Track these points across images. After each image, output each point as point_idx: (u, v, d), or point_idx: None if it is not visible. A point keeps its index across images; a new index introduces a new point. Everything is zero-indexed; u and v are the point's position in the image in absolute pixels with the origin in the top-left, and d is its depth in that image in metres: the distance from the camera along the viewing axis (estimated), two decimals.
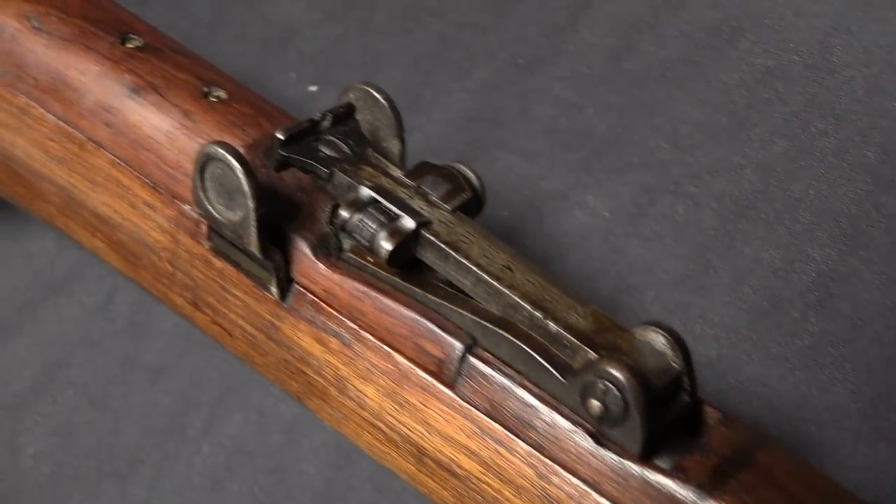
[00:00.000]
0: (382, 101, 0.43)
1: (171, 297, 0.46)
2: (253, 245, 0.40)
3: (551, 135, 0.69)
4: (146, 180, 0.45)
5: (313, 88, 0.72)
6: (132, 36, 0.47)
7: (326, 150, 0.42)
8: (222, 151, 0.39)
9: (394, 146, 0.43)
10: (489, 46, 0.72)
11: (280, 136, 0.41)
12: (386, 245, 0.39)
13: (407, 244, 0.39)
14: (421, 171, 0.42)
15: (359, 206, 0.40)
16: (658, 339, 0.37)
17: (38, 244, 0.70)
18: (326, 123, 0.42)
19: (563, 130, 0.69)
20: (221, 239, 0.42)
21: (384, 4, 0.74)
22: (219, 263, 0.43)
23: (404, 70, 0.72)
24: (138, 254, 0.46)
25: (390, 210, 0.39)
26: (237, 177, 0.39)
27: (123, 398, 0.61)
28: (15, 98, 0.47)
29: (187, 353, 0.62)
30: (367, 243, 0.39)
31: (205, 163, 0.40)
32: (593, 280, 0.63)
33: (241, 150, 0.40)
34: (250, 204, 0.39)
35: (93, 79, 0.46)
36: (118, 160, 0.45)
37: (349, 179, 0.40)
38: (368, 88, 0.43)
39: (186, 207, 0.44)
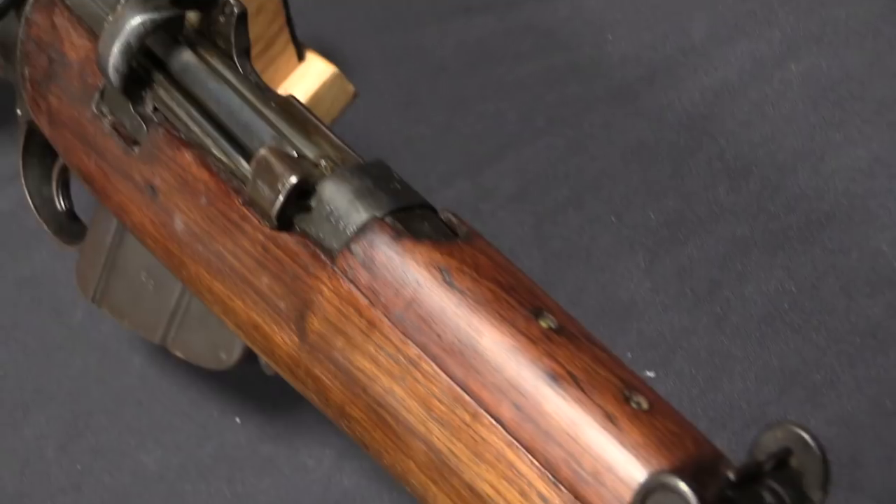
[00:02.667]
0: (815, 449, 0.42)
1: None
2: None
3: None
4: (548, 474, 0.44)
5: (650, 374, 0.72)
6: (546, 313, 0.47)
7: (769, 499, 0.41)
8: (684, 489, 0.39)
9: (815, 496, 0.42)
10: (855, 378, 0.71)
11: (732, 477, 0.41)
12: None
13: None
14: None
15: None
16: None
17: (314, 458, 0.69)
18: (768, 467, 0.42)
19: None
20: None
21: (740, 307, 0.75)
22: None
23: (755, 381, 0.71)
24: None
25: None
26: None
27: None
28: (407, 348, 0.48)
29: None
30: None
31: (653, 490, 0.40)
32: None
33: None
34: None
35: (507, 353, 0.46)
36: (518, 444, 0.45)
37: None
38: (803, 434, 0.42)
39: None
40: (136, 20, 0.56)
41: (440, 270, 0.48)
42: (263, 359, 0.56)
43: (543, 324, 0.46)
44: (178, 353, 0.64)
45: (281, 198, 0.51)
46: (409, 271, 0.48)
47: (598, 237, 0.79)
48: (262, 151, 0.51)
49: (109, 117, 0.60)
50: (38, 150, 0.75)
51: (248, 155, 0.55)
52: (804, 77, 0.80)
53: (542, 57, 0.87)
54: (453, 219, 0.51)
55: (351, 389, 0.50)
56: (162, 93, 0.58)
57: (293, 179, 0.50)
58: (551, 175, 0.82)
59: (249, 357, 0.59)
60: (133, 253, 0.64)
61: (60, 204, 0.75)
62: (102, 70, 0.57)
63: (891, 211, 0.76)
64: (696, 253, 0.77)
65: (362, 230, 0.49)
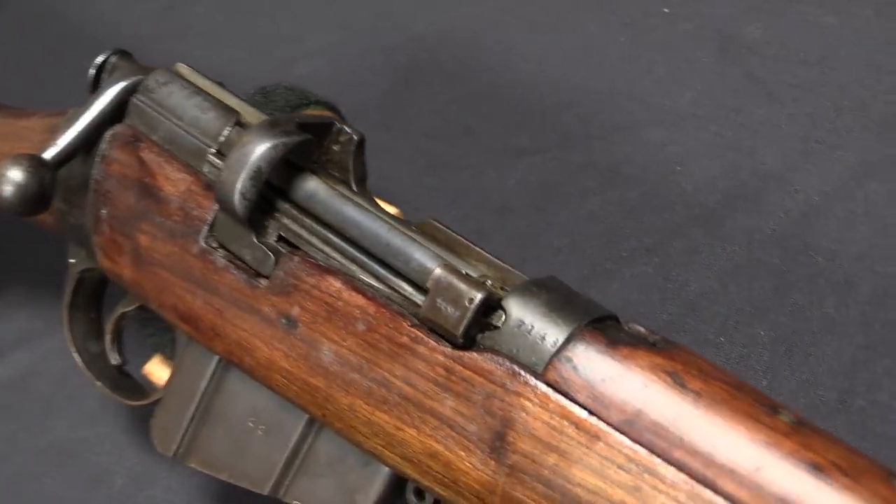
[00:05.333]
0: None
1: None
2: None
3: None
4: None
5: None
6: (781, 409, 0.49)
7: None
8: None
9: None
10: None
11: None
12: None
13: None
14: None
15: None
16: None
17: None
18: None
19: None
20: None
21: (878, 414, 0.78)
22: None
23: None
24: None
25: None
26: None
27: None
28: (640, 456, 0.49)
29: None
30: None
31: None
32: None
33: None
34: None
35: (761, 449, 0.47)
36: None
37: None
38: None
39: None
40: (266, 144, 0.58)
41: (668, 374, 0.50)
42: (437, 493, 0.56)
43: (784, 418, 0.48)
44: (296, 503, 0.63)
45: (469, 315, 0.52)
46: (633, 377, 0.50)
47: (709, 357, 0.81)
48: (439, 270, 0.54)
49: (222, 251, 0.61)
50: (84, 304, 0.76)
51: (404, 277, 0.57)
52: (889, 193, 0.88)
53: (610, 190, 0.92)
54: (641, 329, 0.54)
55: None
56: (287, 221, 0.60)
57: (480, 296, 0.52)
58: (646, 301, 0.85)
59: (389, 497, 0.60)
60: (236, 397, 0.64)
61: (116, 358, 0.75)
62: (225, 199, 0.59)
63: None
64: (817, 366, 0.80)
65: (570, 341, 0.51)
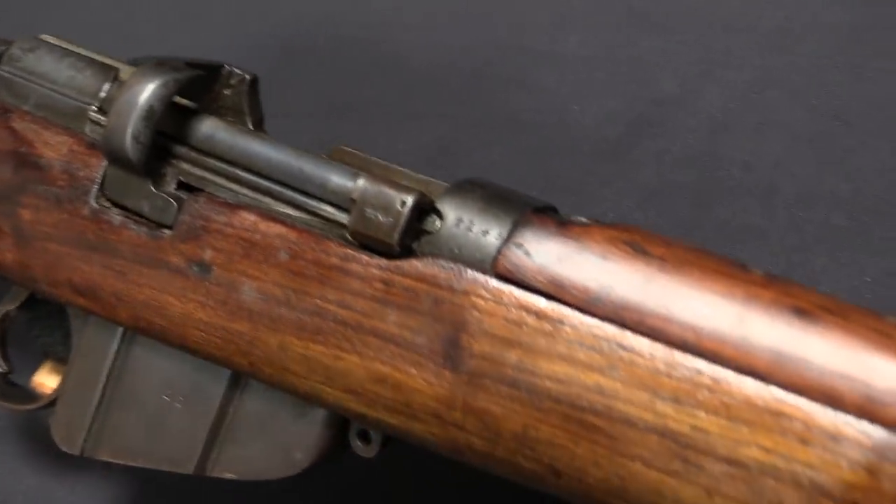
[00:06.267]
0: None
1: None
2: None
3: None
4: (829, 409, 0.44)
5: None
6: (750, 267, 0.48)
7: None
8: None
9: None
10: None
11: None
12: None
13: None
14: None
15: None
16: None
17: None
18: None
19: None
20: None
21: None
22: None
23: None
24: None
25: None
26: None
27: None
28: (611, 333, 0.47)
29: None
30: None
31: None
32: None
33: None
34: None
35: (740, 303, 0.46)
36: (782, 389, 0.44)
37: None
38: None
39: None
40: (157, 81, 0.56)
41: (627, 244, 0.48)
42: (388, 424, 0.53)
43: (757, 273, 0.47)
44: (228, 475, 0.59)
45: (403, 220, 0.50)
46: (591, 253, 0.48)
47: None
48: (363, 180, 0.52)
49: (117, 209, 0.58)
50: None
51: (324, 200, 0.54)
52: (790, 98, 0.87)
53: (510, 139, 0.90)
54: (583, 219, 0.52)
55: (537, 406, 0.48)
56: (186, 166, 0.58)
57: (412, 198, 0.50)
58: None
59: (332, 447, 0.57)
60: (147, 371, 0.61)
61: (1, 365, 0.71)
62: (116, 148, 0.56)
63: None
64: None
65: (517, 228, 0.50)
